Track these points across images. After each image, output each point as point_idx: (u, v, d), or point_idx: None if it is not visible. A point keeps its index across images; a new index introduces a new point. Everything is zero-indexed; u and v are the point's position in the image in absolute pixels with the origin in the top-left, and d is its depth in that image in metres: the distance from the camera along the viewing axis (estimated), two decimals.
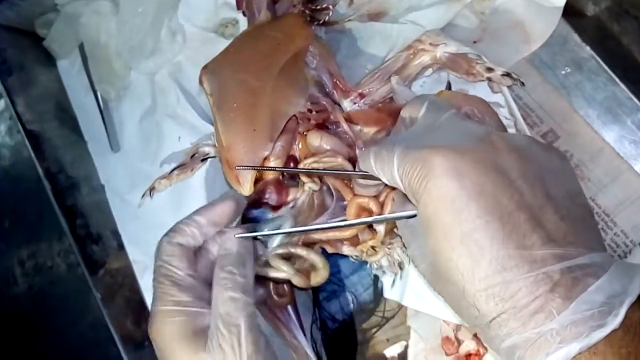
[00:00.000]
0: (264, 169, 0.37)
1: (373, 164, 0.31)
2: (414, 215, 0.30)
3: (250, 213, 0.39)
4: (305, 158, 0.39)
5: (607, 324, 0.23)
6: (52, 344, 0.58)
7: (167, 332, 0.32)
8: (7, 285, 0.57)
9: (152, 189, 0.49)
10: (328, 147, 0.39)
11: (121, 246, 0.53)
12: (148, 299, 0.50)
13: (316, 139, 0.39)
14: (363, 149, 0.40)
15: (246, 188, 0.37)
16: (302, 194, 0.38)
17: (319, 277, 0.38)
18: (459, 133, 0.30)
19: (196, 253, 0.37)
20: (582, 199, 0.29)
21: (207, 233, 0.36)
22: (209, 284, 0.35)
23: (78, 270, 0.52)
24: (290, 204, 0.38)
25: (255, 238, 0.37)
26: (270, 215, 0.38)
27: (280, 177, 0.39)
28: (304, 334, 0.45)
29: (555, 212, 0.27)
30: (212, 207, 0.36)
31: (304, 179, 0.38)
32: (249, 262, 0.35)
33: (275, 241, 0.37)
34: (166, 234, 0.36)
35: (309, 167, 0.38)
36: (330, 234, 0.38)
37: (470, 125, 0.31)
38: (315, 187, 0.38)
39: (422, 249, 0.29)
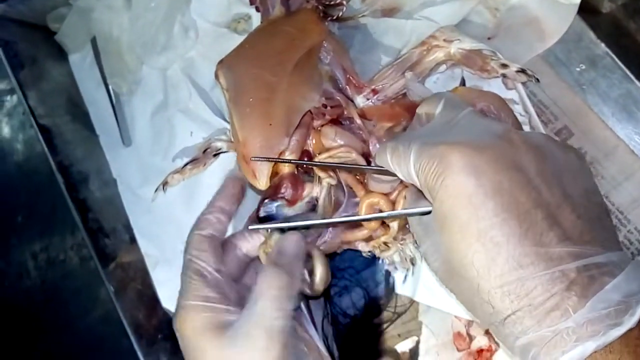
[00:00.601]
0: (280, 161, 0.37)
1: (389, 159, 0.31)
2: (429, 212, 0.30)
3: (266, 207, 0.39)
4: (319, 153, 0.39)
5: (623, 322, 0.23)
6: (64, 336, 0.59)
7: (193, 326, 0.32)
8: (19, 278, 0.57)
9: (165, 184, 0.50)
10: (342, 142, 0.39)
11: (133, 240, 0.53)
12: (160, 293, 0.50)
13: (330, 134, 0.39)
14: (378, 145, 0.40)
15: (262, 182, 0.38)
16: (321, 190, 0.38)
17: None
18: (477, 130, 0.30)
19: (224, 246, 0.37)
20: (598, 198, 0.29)
21: (230, 215, 0.38)
22: (234, 279, 0.36)
23: (90, 264, 0.52)
24: (307, 199, 0.38)
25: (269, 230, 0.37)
26: (286, 210, 0.38)
27: (296, 171, 0.39)
28: (316, 329, 0.45)
29: (572, 210, 0.27)
30: (223, 191, 0.39)
31: (320, 174, 0.38)
32: (299, 262, 0.34)
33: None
34: (194, 227, 0.37)
35: (325, 162, 0.38)
36: (349, 235, 0.38)
37: (489, 123, 0.31)
38: (333, 182, 0.38)
39: (436, 245, 0.29)
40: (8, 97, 0.55)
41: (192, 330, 0.32)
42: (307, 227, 0.36)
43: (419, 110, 0.35)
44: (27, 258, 0.58)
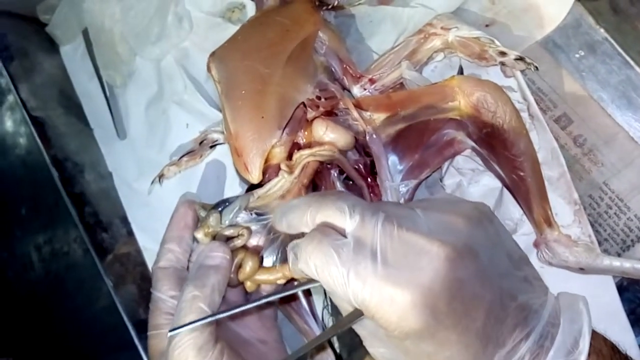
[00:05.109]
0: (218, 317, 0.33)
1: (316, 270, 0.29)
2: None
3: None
4: (304, 148, 0.38)
5: None
6: (68, 327, 0.59)
7: (151, 351, 0.37)
8: (24, 270, 0.57)
9: (161, 176, 0.49)
10: (332, 136, 0.38)
11: (131, 233, 0.53)
12: None
13: (321, 128, 0.38)
14: (375, 136, 0.39)
15: (255, 176, 0.37)
16: (278, 180, 0.37)
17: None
18: (408, 258, 0.27)
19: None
20: (516, 250, 0.31)
21: (185, 240, 0.40)
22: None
23: (93, 256, 0.52)
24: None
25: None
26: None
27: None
28: (315, 320, 0.45)
29: (510, 296, 0.28)
30: (173, 219, 0.40)
31: (282, 166, 0.37)
32: (214, 277, 0.34)
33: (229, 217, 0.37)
34: (156, 259, 0.40)
35: (304, 159, 0.37)
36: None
37: (412, 238, 0.27)
38: (288, 178, 0.37)
39: (394, 352, 0.28)
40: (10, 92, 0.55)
41: (152, 354, 0.37)
42: (230, 315, 0.33)
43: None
44: (31, 250, 0.58)
